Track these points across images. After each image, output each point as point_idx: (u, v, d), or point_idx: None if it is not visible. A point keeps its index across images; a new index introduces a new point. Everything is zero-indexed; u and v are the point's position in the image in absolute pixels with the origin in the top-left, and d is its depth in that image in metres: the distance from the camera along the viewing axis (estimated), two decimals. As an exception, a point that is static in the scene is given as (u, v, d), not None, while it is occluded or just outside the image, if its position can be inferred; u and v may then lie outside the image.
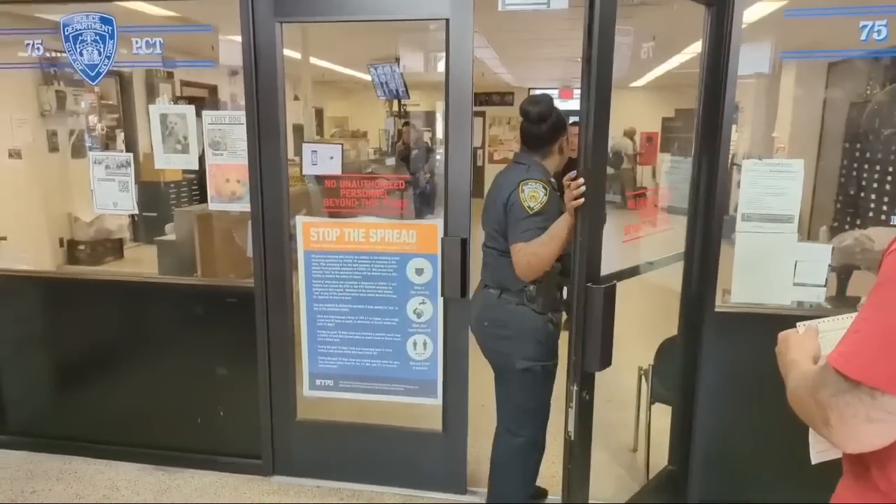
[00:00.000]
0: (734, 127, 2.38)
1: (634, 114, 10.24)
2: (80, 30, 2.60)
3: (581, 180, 1.84)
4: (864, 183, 5.37)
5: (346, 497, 2.66)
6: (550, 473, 2.56)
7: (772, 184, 2.28)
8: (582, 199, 1.84)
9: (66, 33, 2.61)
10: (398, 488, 2.69)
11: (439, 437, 2.64)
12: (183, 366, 2.81)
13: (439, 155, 2.44)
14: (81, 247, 5.73)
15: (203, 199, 2.96)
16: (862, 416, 0.83)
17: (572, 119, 2.51)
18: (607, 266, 1.92)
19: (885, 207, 4.94)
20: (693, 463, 2.45)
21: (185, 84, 7.10)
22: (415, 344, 2.58)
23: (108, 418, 2.91)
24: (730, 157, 2.35)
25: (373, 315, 2.59)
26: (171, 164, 2.66)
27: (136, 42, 2.57)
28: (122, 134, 6.70)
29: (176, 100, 6.62)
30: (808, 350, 1.04)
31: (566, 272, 2.13)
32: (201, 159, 2.65)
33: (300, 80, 6.83)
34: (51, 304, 2.93)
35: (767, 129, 6.68)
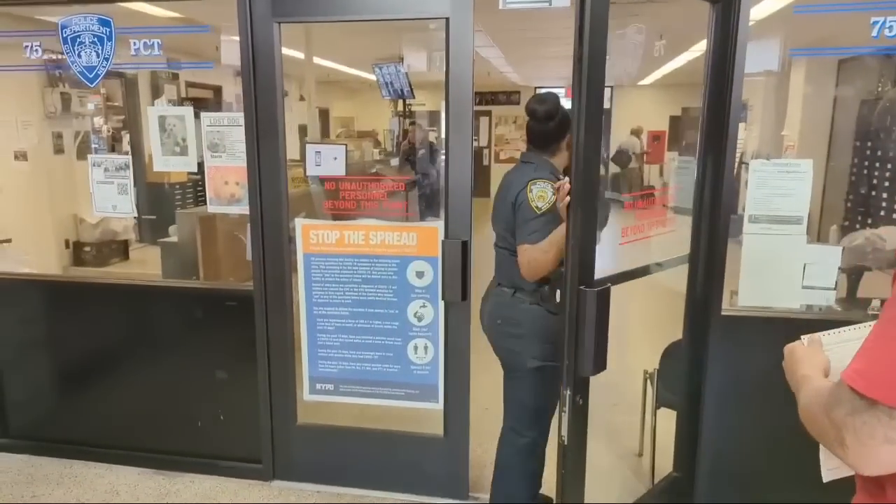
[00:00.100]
0: (743, 126, 2.33)
1: (642, 112, 10.17)
2: (78, 31, 2.58)
3: (567, 182, 1.82)
4: (875, 181, 5.29)
5: (347, 501, 2.63)
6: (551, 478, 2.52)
7: (780, 184, 2.23)
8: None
9: (65, 35, 2.59)
10: (399, 493, 2.66)
11: (440, 441, 2.61)
12: (183, 370, 2.79)
13: (444, 155, 2.42)
14: (87, 248, 5.74)
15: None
16: (880, 436, 0.78)
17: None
18: (605, 269, 1.88)
19: (896, 206, 4.86)
20: (699, 469, 2.40)
21: (190, 85, 7.11)
22: (415, 348, 2.55)
23: (108, 422, 2.90)
24: (739, 156, 2.30)
25: (373, 318, 2.56)
26: (169, 166, 2.64)
27: (135, 43, 2.56)
28: (128, 136, 6.72)
29: (181, 101, 6.63)
30: (818, 364, 1.00)
31: None
32: (200, 163, 2.63)
33: (304, 80, 6.82)
34: (51, 307, 2.92)
35: (777, 127, 6.60)
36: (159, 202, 5.78)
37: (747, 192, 2.25)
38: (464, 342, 2.50)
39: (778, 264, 2.26)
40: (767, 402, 1.98)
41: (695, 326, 2.35)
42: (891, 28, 2.05)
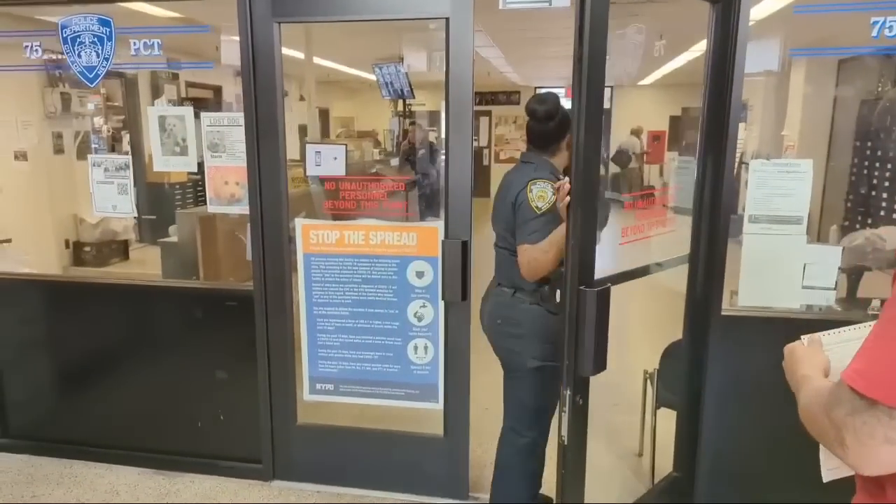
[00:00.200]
0: (743, 126, 2.33)
1: (642, 112, 10.16)
2: (78, 31, 2.58)
3: (567, 182, 1.82)
4: (875, 181, 5.29)
5: (347, 501, 2.63)
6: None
7: (780, 184, 2.23)
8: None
9: (65, 35, 2.59)
10: (399, 493, 2.66)
11: (441, 441, 2.61)
12: (183, 370, 2.79)
13: (444, 155, 2.43)
14: (87, 248, 5.74)
15: (208, 200, 2.94)
16: (880, 436, 0.78)
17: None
18: (605, 269, 1.88)
19: (896, 206, 4.86)
20: (699, 469, 2.40)
21: (190, 85, 7.11)
22: (415, 348, 2.54)
23: (108, 422, 2.90)
24: (739, 156, 2.30)
25: (373, 318, 2.56)
26: (169, 166, 2.64)
27: (135, 43, 2.55)
28: (128, 136, 6.72)
29: (182, 101, 6.62)
30: (818, 364, 1.00)
31: None
32: (200, 163, 2.63)
33: (304, 80, 6.82)
34: (51, 307, 2.92)
35: (777, 127, 6.60)
36: (159, 202, 5.78)
37: (747, 192, 2.24)
38: (464, 342, 2.50)
39: (778, 264, 2.26)
40: (767, 403, 1.98)
41: (695, 326, 2.35)
42: (891, 28, 2.05)
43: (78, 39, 2.58)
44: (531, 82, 12.50)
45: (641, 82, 9.77)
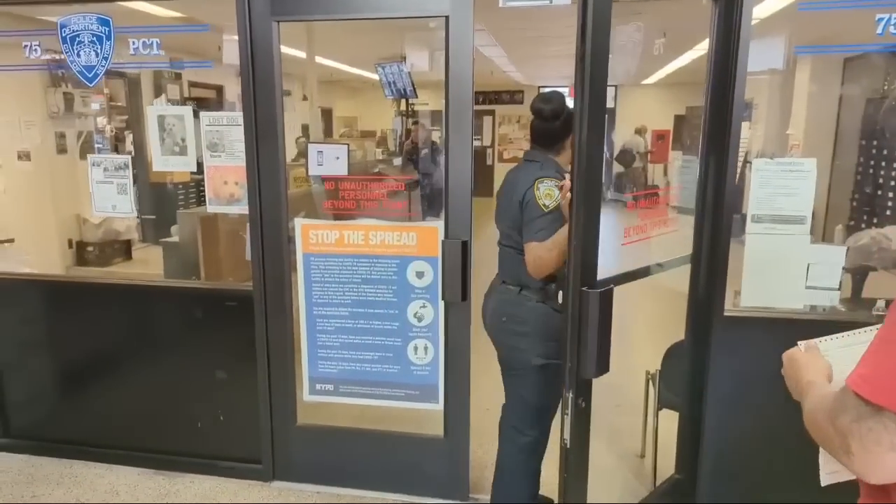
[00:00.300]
0: (748, 125, 2.30)
1: (646, 111, 10.13)
2: (77, 31, 2.57)
3: (567, 181, 1.82)
4: (881, 181, 5.25)
5: (347, 502, 2.61)
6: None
7: (783, 184, 2.20)
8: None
9: (64, 34, 2.59)
10: (399, 494, 2.65)
11: (441, 442, 2.59)
12: (183, 370, 2.78)
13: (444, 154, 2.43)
14: (90, 248, 5.74)
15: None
16: (886, 443, 0.76)
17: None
18: (608, 269, 1.86)
19: (902, 206, 4.82)
20: (701, 471, 2.37)
21: (192, 85, 7.12)
22: (415, 348, 2.53)
23: (108, 422, 2.89)
24: (744, 155, 2.28)
25: (373, 319, 2.55)
26: (169, 165, 2.63)
27: (133, 42, 2.55)
28: (131, 135, 6.72)
29: (184, 101, 6.62)
30: (821, 369, 0.98)
31: None
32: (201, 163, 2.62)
33: (306, 79, 6.82)
34: (52, 307, 2.91)
35: (782, 126, 6.56)
36: (162, 202, 5.79)
37: (750, 192, 2.22)
38: (464, 342, 2.48)
39: (781, 264, 2.24)
40: (770, 404, 1.95)
41: (697, 327, 2.33)
42: (896, 25, 2.03)
43: (77, 39, 2.58)
44: (534, 81, 12.48)
45: (646, 81, 9.74)
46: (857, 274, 2.90)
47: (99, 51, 2.58)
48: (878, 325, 0.85)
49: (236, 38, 2.44)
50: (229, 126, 2.54)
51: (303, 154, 5.17)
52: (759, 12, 2.11)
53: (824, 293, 2.25)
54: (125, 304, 2.85)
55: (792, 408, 1.01)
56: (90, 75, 2.61)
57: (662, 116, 9.44)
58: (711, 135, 2.20)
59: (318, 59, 7.24)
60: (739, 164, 2.28)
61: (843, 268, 2.25)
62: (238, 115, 2.50)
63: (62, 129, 5.70)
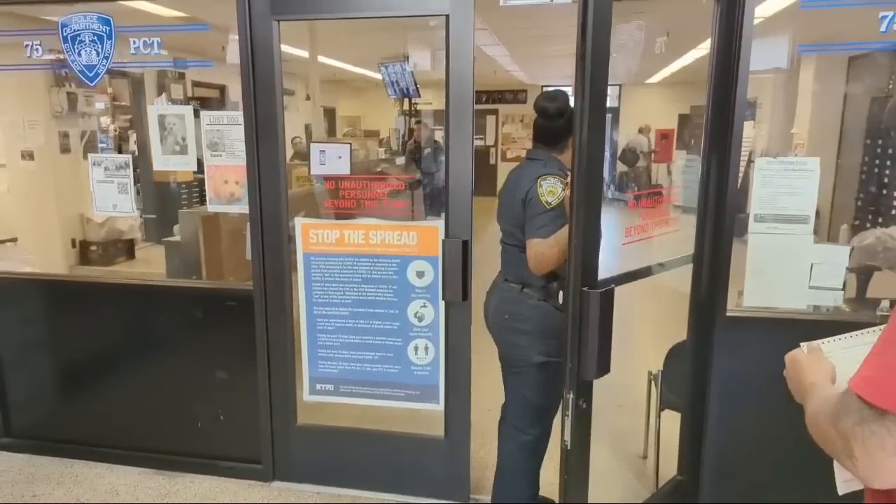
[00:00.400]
0: (752, 124, 2.29)
1: (650, 110, 10.09)
2: (78, 30, 2.57)
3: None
4: (886, 180, 5.22)
5: (346, 502, 2.62)
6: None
7: (786, 183, 2.18)
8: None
9: (65, 34, 2.59)
10: (399, 495, 2.64)
11: (441, 443, 2.58)
12: (183, 370, 2.78)
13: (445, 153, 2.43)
14: (93, 247, 5.76)
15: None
16: (890, 447, 0.75)
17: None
18: (609, 269, 1.85)
19: (907, 205, 4.79)
20: (703, 472, 2.36)
21: (196, 84, 7.12)
22: (416, 348, 2.52)
23: (109, 422, 2.89)
24: (748, 154, 2.26)
25: (373, 318, 2.54)
26: (169, 165, 2.63)
27: (134, 42, 2.54)
28: (135, 135, 6.73)
29: (188, 100, 6.62)
30: (825, 371, 0.96)
31: None
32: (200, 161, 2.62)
33: (309, 79, 6.81)
34: (52, 307, 2.91)
35: (786, 125, 6.53)
36: (166, 201, 5.80)
37: (752, 191, 2.21)
38: (464, 342, 2.47)
39: (784, 264, 2.22)
40: (773, 405, 1.93)
41: (699, 327, 2.32)
42: (899, 23, 2.01)
43: (78, 38, 2.58)
44: (538, 80, 12.47)
45: (649, 80, 9.71)
46: (862, 274, 2.89)
47: (100, 50, 2.58)
48: (882, 326, 0.84)
49: (237, 37, 2.44)
50: (230, 125, 2.53)
51: (299, 155, 5.17)
52: (761, 11, 2.09)
53: (828, 293, 2.23)
54: (126, 304, 2.85)
55: (794, 409, 1.00)
56: (91, 75, 2.61)
57: (666, 116, 9.42)
58: (714, 134, 2.18)
59: (322, 59, 7.24)
60: (743, 163, 2.26)
61: (848, 268, 2.23)
62: (238, 115, 2.49)
63: (66, 128, 5.71)
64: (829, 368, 0.98)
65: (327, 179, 2.62)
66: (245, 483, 2.74)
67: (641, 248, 2.20)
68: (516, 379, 2.26)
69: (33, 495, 2.66)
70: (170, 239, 4.35)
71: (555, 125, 2.16)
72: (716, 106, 2.16)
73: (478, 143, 12.04)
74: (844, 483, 0.97)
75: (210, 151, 2.57)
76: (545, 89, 2.38)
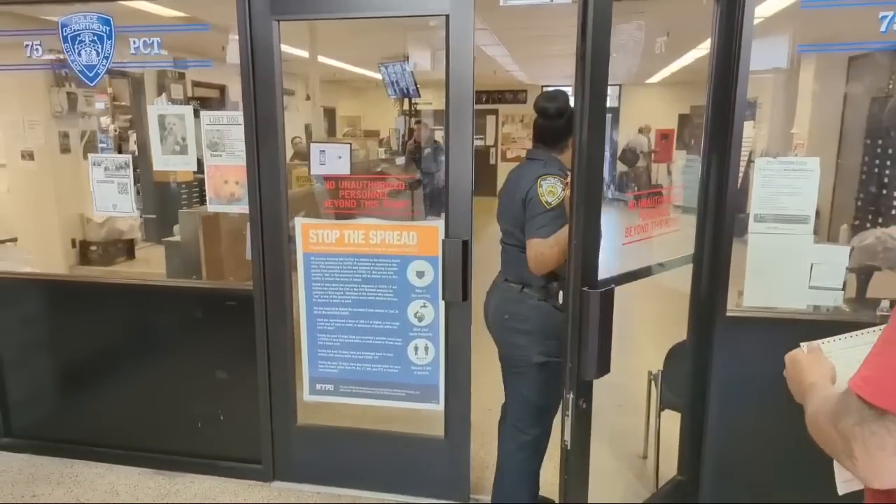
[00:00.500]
0: (752, 124, 2.29)
1: (650, 110, 10.09)
2: (78, 30, 2.57)
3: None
4: (886, 180, 5.22)
5: (346, 502, 2.62)
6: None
7: (786, 183, 2.18)
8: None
9: (65, 34, 2.59)
10: (399, 495, 2.64)
11: (441, 443, 2.58)
12: (183, 370, 2.78)
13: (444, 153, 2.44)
14: (93, 247, 5.76)
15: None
16: (890, 447, 0.75)
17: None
18: (609, 269, 1.85)
19: (907, 205, 4.79)
20: (703, 472, 2.36)
21: (196, 84, 7.12)
22: (416, 348, 2.52)
23: (109, 422, 2.89)
24: (748, 154, 2.26)
25: (373, 318, 2.54)
26: (169, 165, 2.63)
27: (134, 42, 2.54)
28: (135, 135, 6.73)
29: (188, 100, 6.62)
30: (825, 371, 0.96)
31: None
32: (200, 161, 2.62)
33: (309, 79, 6.81)
34: (52, 307, 2.91)
35: (786, 125, 6.53)
36: (166, 201, 5.80)
37: (752, 191, 2.21)
38: (465, 343, 2.47)
39: (784, 264, 2.22)
40: (773, 405, 1.93)
41: (699, 327, 2.31)
42: (899, 23, 2.01)
43: (78, 38, 2.58)
44: (538, 81, 12.47)
45: (650, 80, 9.71)
46: (862, 274, 2.89)
47: (100, 50, 2.58)
48: (883, 326, 0.84)
49: (237, 37, 2.44)
50: (229, 125, 2.53)
51: (299, 155, 5.17)
52: (761, 11, 2.09)
53: (828, 293, 2.23)
54: (126, 304, 2.84)
55: (794, 409, 1.00)
56: (91, 74, 2.61)
57: (666, 116, 9.42)
58: (714, 134, 2.18)
59: (322, 59, 7.24)
60: (743, 163, 2.26)
61: (848, 268, 2.23)
62: (238, 115, 2.49)
63: (66, 128, 5.71)
64: (829, 368, 0.98)
65: (327, 179, 2.62)
66: (245, 483, 2.74)
67: (641, 248, 2.20)
68: (516, 379, 2.26)
69: (33, 495, 2.66)
70: (170, 239, 4.35)
71: (555, 125, 2.16)
72: (716, 106, 2.16)
73: (478, 143, 12.04)
74: (844, 483, 0.97)
75: (210, 151, 2.57)
76: (545, 89, 2.38)
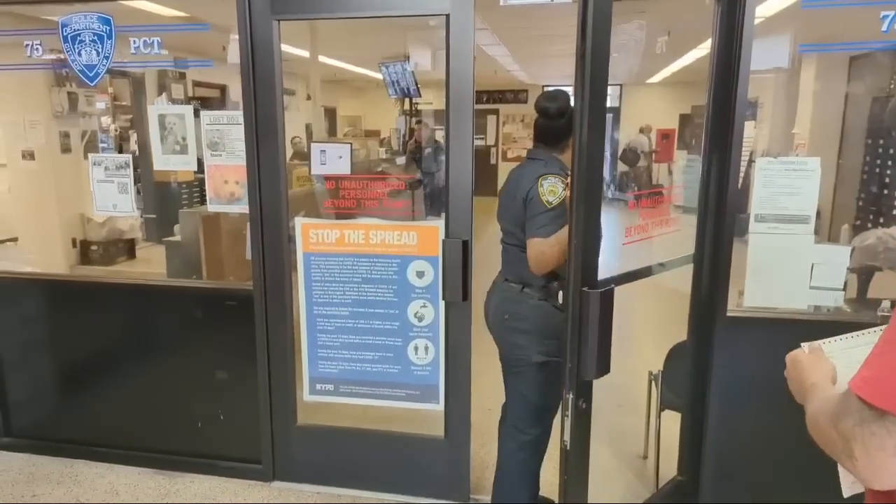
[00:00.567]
0: (753, 124, 2.29)
1: (651, 110, 10.09)
2: (78, 30, 2.57)
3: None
4: (887, 180, 5.22)
5: (346, 502, 2.62)
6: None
7: (787, 183, 2.18)
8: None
9: (65, 34, 2.58)
10: (399, 495, 2.64)
11: (441, 443, 2.58)
12: (183, 369, 2.78)
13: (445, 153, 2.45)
14: (94, 247, 5.76)
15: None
16: (890, 448, 0.74)
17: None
18: (609, 269, 1.85)
19: (908, 205, 4.79)
20: (704, 472, 2.36)
21: (196, 84, 7.12)
22: (416, 348, 2.52)
23: (109, 421, 2.89)
24: (749, 154, 2.26)
25: (373, 318, 2.54)
26: (169, 164, 2.63)
27: (134, 41, 2.54)
28: (135, 135, 6.74)
29: (189, 100, 6.63)
30: (825, 372, 0.96)
31: None
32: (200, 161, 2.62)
33: (310, 78, 6.81)
34: (53, 307, 2.91)
35: (787, 125, 6.53)
36: (166, 201, 5.80)
37: (753, 191, 2.20)
38: (465, 342, 2.47)
39: (785, 264, 2.22)
40: (773, 405, 1.93)
41: (699, 327, 2.31)
42: (901, 22, 2.00)
43: (78, 38, 2.58)
44: (538, 80, 12.47)
45: (650, 80, 9.71)
46: (863, 274, 2.88)
47: (100, 50, 2.58)
48: (884, 326, 0.83)
49: (237, 37, 2.43)
50: (230, 125, 2.53)
51: (299, 154, 5.17)
52: (762, 11, 2.09)
53: (829, 293, 2.22)
54: (126, 304, 2.84)
55: (795, 409, 0.99)
56: (91, 74, 2.60)
57: (667, 115, 9.41)
58: (714, 134, 2.18)
59: (323, 59, 7.24)
60: (744, 163, 2.26)
61: (848, 268, 2.23)
62: (238, 115, 2.49)
63: (66, 128, 5.71)
64: (829, 369, 0.98)
65: (328, 179, 2.62)
66: (245, 483, 2.74)
67: (641, 248, 2.20)
68: (516, 379, 2.26)
69: (33, 495, 2.66)
70: (170, 239, 4.36)
71: (555, 125, 2.16)
72: (716, 106, 2.16)
73: (478, 142, 12.03)
74: (850, 485, 0.96)
75: (210, 151, 2.57)
76: (546, 89, 2.38)
